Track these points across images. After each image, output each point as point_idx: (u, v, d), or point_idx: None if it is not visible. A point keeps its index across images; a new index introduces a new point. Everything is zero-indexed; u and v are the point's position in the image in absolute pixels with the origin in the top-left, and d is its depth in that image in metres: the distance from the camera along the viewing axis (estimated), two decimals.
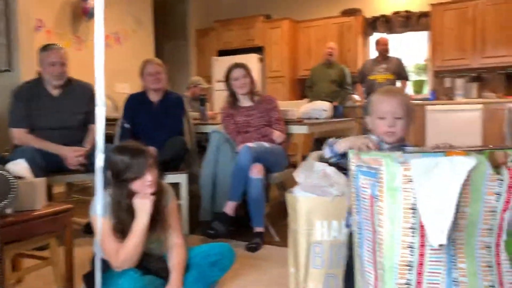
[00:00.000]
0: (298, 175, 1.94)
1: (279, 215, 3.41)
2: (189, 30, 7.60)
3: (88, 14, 5.01)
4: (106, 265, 1.74)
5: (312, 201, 1.84)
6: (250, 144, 2.78)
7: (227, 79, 3.07)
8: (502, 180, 1.16)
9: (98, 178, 1.31)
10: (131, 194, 1.72)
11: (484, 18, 5.72)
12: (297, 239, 1.87)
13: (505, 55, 5.64)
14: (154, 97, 3.09)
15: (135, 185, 1.70)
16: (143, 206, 1.69)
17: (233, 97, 3.09)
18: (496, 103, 5.47)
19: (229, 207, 2.70)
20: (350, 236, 1.55)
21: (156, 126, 3.00)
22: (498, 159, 1.19)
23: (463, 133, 5.38)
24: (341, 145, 1.40)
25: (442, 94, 6.24)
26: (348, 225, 1.57)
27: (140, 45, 6.05)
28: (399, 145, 1.44)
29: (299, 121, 3.27)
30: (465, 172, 1.10)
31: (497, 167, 1.18)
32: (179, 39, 7.88)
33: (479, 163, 1.13)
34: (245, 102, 3.08)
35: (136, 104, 3.09)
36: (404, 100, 1.45)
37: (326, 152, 1.47)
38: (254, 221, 2.72)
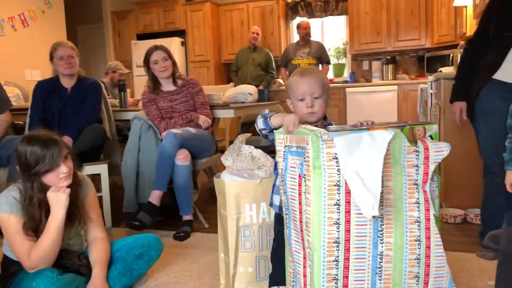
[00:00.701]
0: (226, 158, 1.91)
1: (208, 202, 3.37)
2: (105, 12, 7.19)
3: None
4: (18, 266, 1.60)
5: (240, 185, 1.81)
6: (175, 130, 2.69)
7: (147, 62, 2.92)
8: (418, 152, 1.20)
9: None
10: (44, 188, 1.58)
11: (397, 3, 6.02)
12: (226, 224, 1.84)
13: (416, 38, 5.99)
14: (67, 83, 2.86)
15: (48, 178, 1.57)
16: (58, 200, 1.57)
17: (154, 82, 2.96)
18: (409, 84, 5.82)
19: (155, 197, 2.60)
20: (277, 216, 1.55)
21: (71, 114, 2.79)
22: (417, 134, 1.24)
23: (380, 112, 5.69)
24: (274, 120, 1.42)
25: (360, 76, 6.52)
26: (271, 204, 1.57)
27: (50, 28, 5.60)
28: (322, 124, 1.46)
29: (225, 105, 3.23)
30: (385, 144, 1.13)
31: (416, 142, 1.23)
32: (94, 22, 7.44)
33: (396, 135, 1.17)
34: (167, 86, 2.97)
35: (46, 91, 2.84)
36: (320, 78, 1.47)
37: (260, 122, 1.47)
38: (182, 209, 2.64)
